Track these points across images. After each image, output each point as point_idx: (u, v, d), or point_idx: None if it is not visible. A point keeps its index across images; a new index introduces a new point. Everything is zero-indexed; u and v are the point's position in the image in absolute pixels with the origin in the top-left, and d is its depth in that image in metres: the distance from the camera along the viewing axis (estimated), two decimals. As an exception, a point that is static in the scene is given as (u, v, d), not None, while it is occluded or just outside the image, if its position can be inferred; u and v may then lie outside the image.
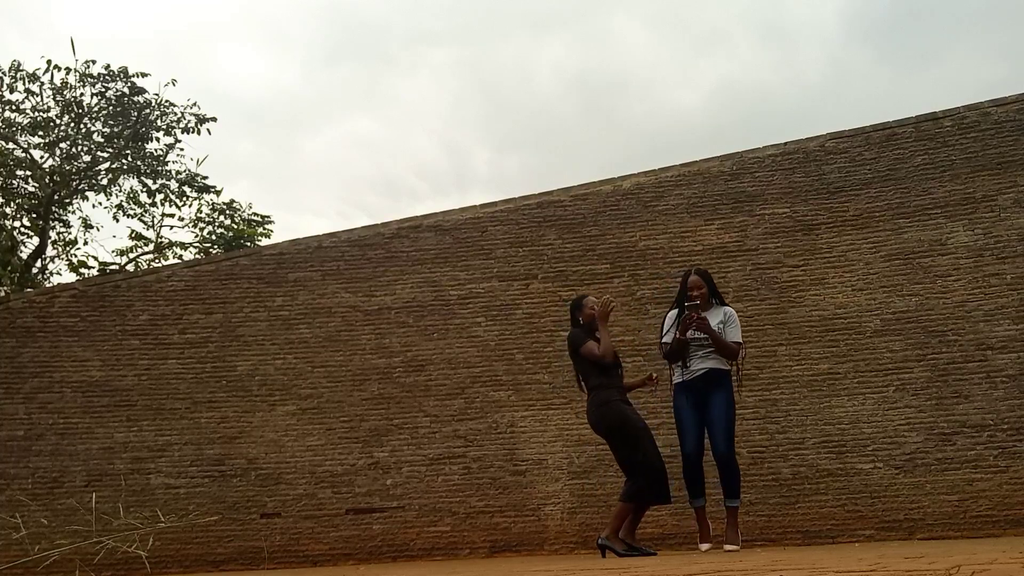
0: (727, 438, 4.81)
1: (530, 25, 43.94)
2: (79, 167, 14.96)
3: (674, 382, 5.03)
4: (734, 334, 4.94)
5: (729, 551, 4.72)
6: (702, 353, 4.87)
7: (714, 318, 4.91)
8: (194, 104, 15.03)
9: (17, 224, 14.64)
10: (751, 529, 6.57)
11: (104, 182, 15.30)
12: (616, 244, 7.61)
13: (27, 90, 14.32)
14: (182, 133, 15.10)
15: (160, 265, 13.44)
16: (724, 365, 4.90)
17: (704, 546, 4.94)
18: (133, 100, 14.74)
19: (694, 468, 4.89)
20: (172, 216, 16.00)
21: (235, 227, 16.25)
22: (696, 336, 4.86)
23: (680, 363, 4.97)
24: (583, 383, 5.14)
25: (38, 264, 14.92)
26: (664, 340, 5.06)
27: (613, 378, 5.00)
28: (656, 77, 44.67)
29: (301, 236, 8.10)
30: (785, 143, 7.72)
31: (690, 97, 43.32)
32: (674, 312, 5.07)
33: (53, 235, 15.16)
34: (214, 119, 15.07)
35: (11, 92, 14.29)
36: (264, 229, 16.71)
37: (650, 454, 4.78)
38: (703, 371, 4.86)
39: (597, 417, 4.94)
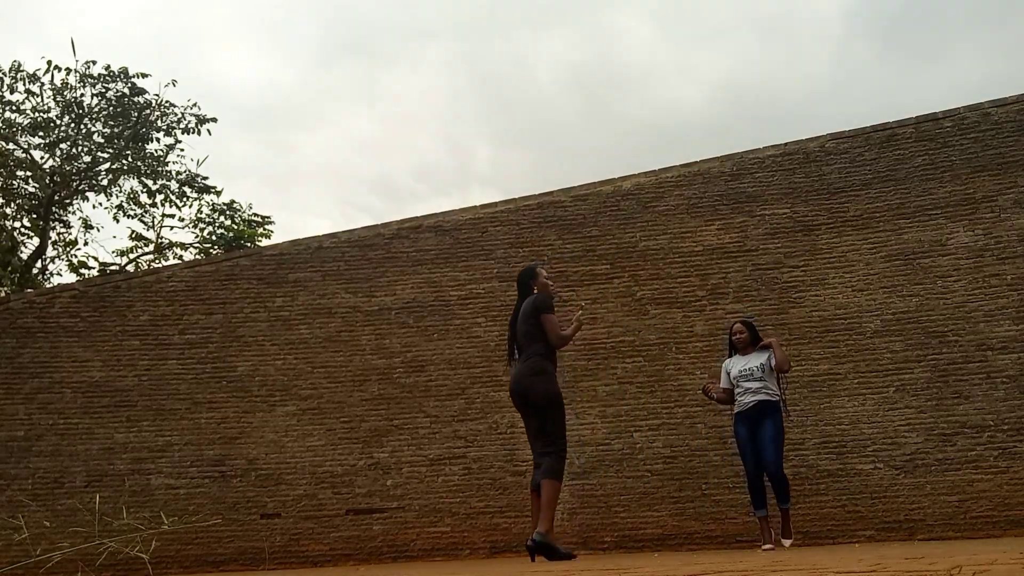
0: (776, 456, 5.55)
1: (531, 22, 43.96)
2: (79, 167, 14.97)
3: (734, 412, 5.79)
4: (780, 353, 5.77)
5: (786, 544, 5.59)
6: (753, 388, 5.64)
7: (753, 359, 5.73)
8: (194, 104, 15.08)
9: (17, 224, 14.67)
10: (751, 530, 6.57)
11: (104, 183, 15.32)
12: (616, 244, 7.61)
13: (27, 91, 14.35)
14: (182, 134, 15.14)
15: (160, 266, 13.45)
16: (772, 397, 5.65)
17: (766, 547, 5.53)
18: (133, 101, 14.76)
19: (756, 485, 5.63)
20: (172, 217, 16.05)
21: (235, 228, 16.26)
22: (745, 371, 5.69)
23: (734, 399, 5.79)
24: (524, 345, 4.77)
25: (38, 264, 14.94)
26: (721, 386, 5.90)
27: (554, 354, 4.77)
28: (659, 73, 44.71)
29: (301, 236, 8.11)
30: (785, 144, 7.72)
31: (694, 93, 43.35)
32: (728, 360, 5.90)
33: (53, 235, 15.19)
34: (214, 119, 15.11)
35: (11, 92, 14.32)
36: (264, 230, 16.73)
37: (565, 439, 4.66)
38: (755, 403, 5.61)
39: (532, 383, 4.63)
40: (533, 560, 4.38)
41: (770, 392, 5.62)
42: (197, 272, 7.93)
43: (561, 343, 4.78)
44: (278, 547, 7.04)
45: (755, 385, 5.62)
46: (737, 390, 5.71)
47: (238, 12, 43.70)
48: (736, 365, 5.76)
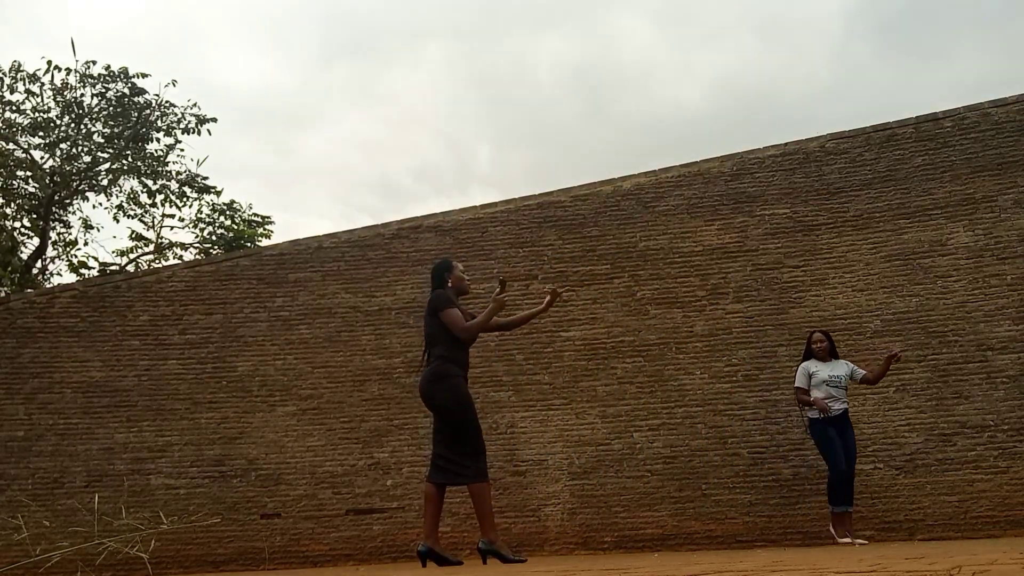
0: (855, 461, 6.14)
1: (531, 22, 43.97)
2: (79, 168, 14.96)
3: (810, 416, 6.20)
4: (860, 371, 6.33)
5: (862, 543, 5.90)
6: (839, 396, 6.15)
7: (838, 368, 6.22)
8: (194, 104, 15.06)
9: (17, 224, 14.67)
10: (752, 529, 6.57)
11: (104, 183, 15.32)
12: (616, 245, 7.61)
13: (27, 91, 14.34)
14: (182, 134, 15.13)
15: (160, 266, 13.45)
16: (848, 405, 6.24)
17: (844, 539, 5.95)
18: (133, 101, 14.75)
19: (847, 480, 6.04)
20: (172, 217, 16.04)
21: (235, 228, 16.25)
22: (833, 378, 6.17)
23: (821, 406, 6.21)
24: (428, 347, 4.63)
25: (38, 264, 14.93)
26: (798, 385, 6.30)
27: (460, 354, 4.58)
28: (659, 73, 44.72)
29: (301, 236, 8.11)
30: (785, 144, 7.72)
31: (694, 93, 43.36)
32: (810, 362, 6.29)
33: (53, 235, 15.18)
34: (214, 119, 15.10)
35: (11, 93, 14.32)
36: (264, 229, 16.72)
37: (481, 437, 4.56)
38: (841, 411, 6.13)
39: (434, 390, 4.48)
40: (485, 562, 4.36)
41: (847, 401, 6.22)
42: (197, 272, 7.93)
43: (468, 334, 4.54)
44: (278, 547, 7.04)
45: (841, 393, 6.16)
46: (818, 393, 6.13)
47: (238, 12, 43.71)
48: (823, 371, 6.20)
